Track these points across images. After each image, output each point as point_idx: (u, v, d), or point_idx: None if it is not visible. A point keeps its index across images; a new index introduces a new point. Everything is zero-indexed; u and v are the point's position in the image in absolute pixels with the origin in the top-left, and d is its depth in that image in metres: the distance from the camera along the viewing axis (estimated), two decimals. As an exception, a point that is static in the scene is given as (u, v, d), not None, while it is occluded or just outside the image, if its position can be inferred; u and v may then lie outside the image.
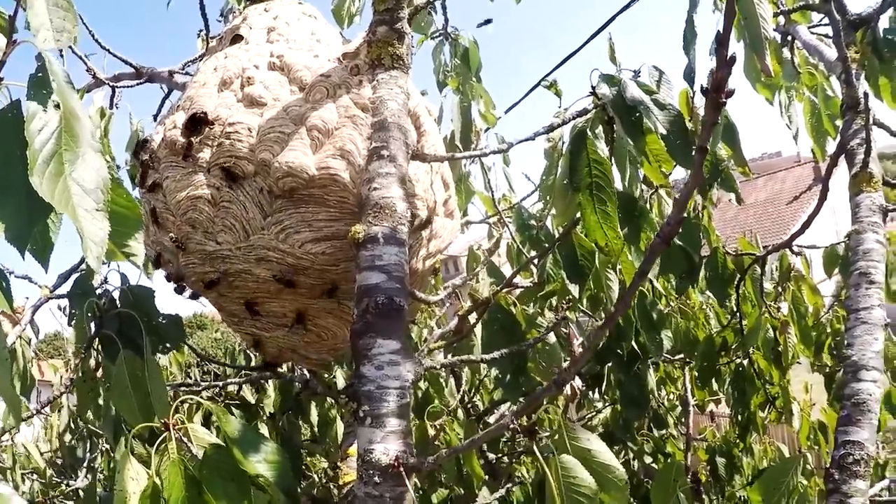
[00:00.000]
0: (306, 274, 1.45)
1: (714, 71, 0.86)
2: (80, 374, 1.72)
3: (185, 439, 1.30)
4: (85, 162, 1.13)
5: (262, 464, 1.27)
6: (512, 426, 1.03)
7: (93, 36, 2.13)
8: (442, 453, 1.17)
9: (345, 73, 1.48)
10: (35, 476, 3.20)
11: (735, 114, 1.96)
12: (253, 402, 2.56)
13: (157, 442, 1.26)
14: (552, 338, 2.01)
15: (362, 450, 1.20)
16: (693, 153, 1.81)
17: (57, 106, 1.12)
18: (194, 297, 1.90)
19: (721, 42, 0.85)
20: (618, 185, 1.85)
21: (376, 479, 1.18)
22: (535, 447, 1.03)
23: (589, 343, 1.32)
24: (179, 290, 1.80)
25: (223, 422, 1.28)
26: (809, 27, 2.47)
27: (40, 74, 1.14)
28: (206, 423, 2.38)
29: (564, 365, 2.55)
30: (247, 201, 1.42)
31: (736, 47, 2.26)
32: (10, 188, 1.11)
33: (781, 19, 2.51)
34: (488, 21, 2.84)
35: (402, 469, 1.16)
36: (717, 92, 0.86)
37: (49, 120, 1.12)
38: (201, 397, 2.22)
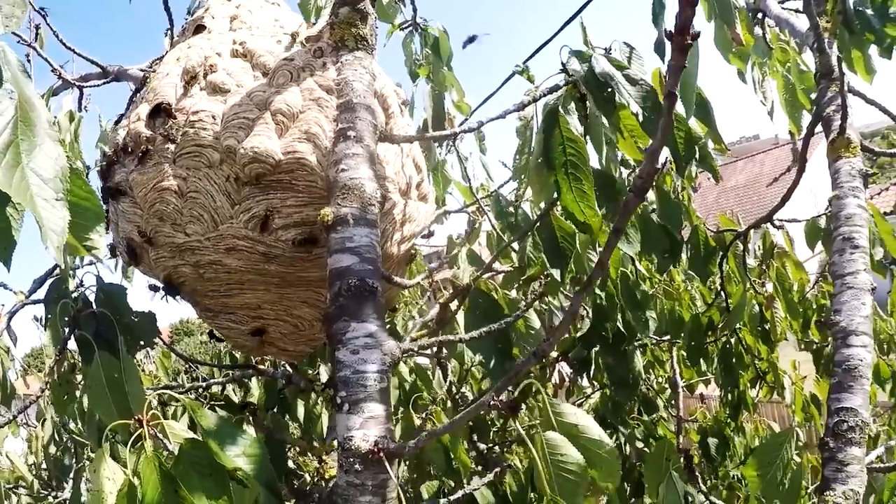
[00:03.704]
0: (278, 262, 1.41)
1: (678, 13, 0.83)
2: (55, 378, 1.68)
3: (161, 436, 1.26)
4: (42, 151, 1.09)
5: (240, 457, 1.23)
6: (492, 402, 1.00)
7: (57, 37, 2.09)
8: (422, 436, 1.13)
9: (308, 55, 1.45)
10: (22, 489, 3.13)
11: (711, 97, 1.93)
12: (237, 401, 2.53)
13: (132, 440, 1.23)
14: (536, 322, 1.98)
15: (341, 437, 1.17)
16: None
17: (11, 95, 1.09)
18: (171, 293, 1.85)
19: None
20: (595, 163, 1.82)
21: (357, 466, 1.14)
22: (517, 424, 1.00)
23: (570, 311, 1.29)
24: (154, 289, 1.76)
25: (199, 416, 1.25)
26: (779, 1, 2.47)
27: (-7, 63, 1.11)
28: (194, 424, 2.33)
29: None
30: (214, 190, 1.39)
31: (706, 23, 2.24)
32: (-37, 182, 1.07)
33: (752, -5, 2.51)
34: (472, 39, 2.79)
35: (382, 455, 1.13)
36: (682, 34, 0.84)
37: (4, 109, 1.08)
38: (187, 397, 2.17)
